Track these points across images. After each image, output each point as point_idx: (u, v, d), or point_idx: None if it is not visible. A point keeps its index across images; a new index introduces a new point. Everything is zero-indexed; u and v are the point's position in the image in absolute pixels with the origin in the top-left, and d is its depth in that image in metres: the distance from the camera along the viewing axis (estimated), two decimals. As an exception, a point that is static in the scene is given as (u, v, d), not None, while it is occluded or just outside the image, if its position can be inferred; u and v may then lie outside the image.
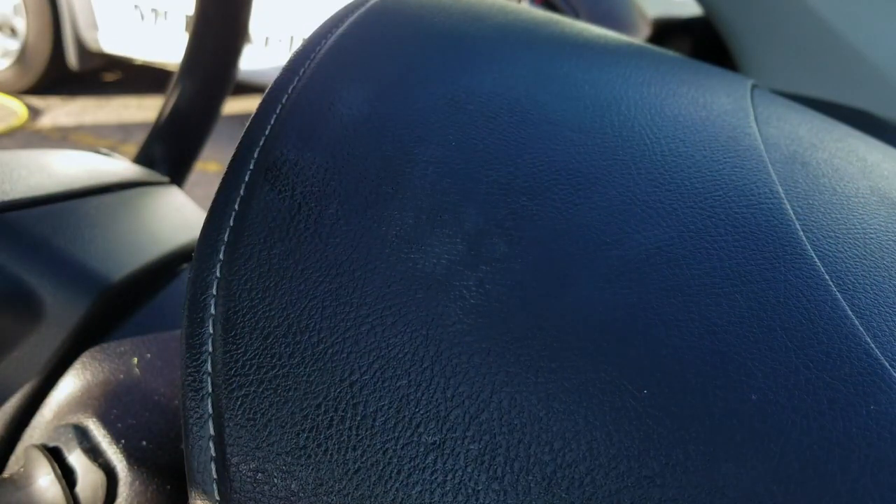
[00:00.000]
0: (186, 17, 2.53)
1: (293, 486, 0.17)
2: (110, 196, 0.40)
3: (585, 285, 0.19)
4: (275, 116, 0.22)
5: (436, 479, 0.17)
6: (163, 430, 0.28)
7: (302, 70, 0.23)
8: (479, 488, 0.17)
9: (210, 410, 0.19)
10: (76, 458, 0.27)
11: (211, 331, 0.19)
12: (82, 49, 2.66)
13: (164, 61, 2.63)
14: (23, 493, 0.26)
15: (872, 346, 0.18)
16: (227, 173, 0.22)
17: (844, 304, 0.19)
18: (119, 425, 0.28)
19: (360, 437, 0.17)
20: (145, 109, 2.70)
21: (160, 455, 0.28)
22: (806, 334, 0.18)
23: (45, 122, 2.49)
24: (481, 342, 0.18)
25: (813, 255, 0.20)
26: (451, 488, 0.17)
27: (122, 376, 0.30)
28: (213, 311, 0.19)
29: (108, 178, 0.41)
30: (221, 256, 0.20)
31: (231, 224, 0.21)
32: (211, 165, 2.26)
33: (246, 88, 2.58)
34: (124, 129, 2.49)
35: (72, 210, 0.37)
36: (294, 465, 0.18)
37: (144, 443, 0.28)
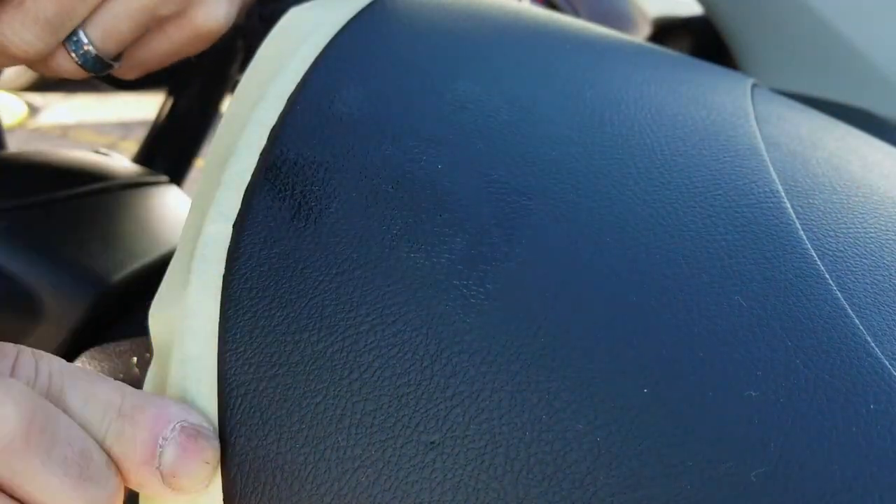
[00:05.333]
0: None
1: (293, 485, 0.17)
2: (110, 196, 0.40)
3: (586, 284, 0.19)
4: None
5: (435, 478, 0.17)
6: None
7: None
8: (479, 488, 0.17)
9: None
10: None
11: None
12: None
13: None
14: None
15: (872, 344, 0.18)
16: None
17: (844, 302, 0.19)
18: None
19: (359, 436, 0.17)
20: (145, 106, 2.70)
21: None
22: (806, 333, 0.18)
23: (45, 119, 2.49)
24: (481, 341, 0.18)
25: (813, 254, 0.20)
26: (450, 487, 0.17)
27: (121, 376, 0.30)
28: None
29: (107, 178, 0.41)
30: None
31: None
32: (211, 164, 2.25)
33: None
34: (124, 127, 2.49)
35: (71, 210, 0.37)
36: (294, 465, 0.18)
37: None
